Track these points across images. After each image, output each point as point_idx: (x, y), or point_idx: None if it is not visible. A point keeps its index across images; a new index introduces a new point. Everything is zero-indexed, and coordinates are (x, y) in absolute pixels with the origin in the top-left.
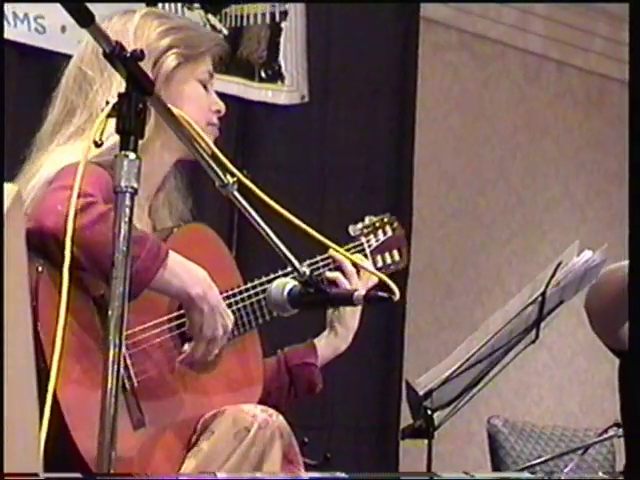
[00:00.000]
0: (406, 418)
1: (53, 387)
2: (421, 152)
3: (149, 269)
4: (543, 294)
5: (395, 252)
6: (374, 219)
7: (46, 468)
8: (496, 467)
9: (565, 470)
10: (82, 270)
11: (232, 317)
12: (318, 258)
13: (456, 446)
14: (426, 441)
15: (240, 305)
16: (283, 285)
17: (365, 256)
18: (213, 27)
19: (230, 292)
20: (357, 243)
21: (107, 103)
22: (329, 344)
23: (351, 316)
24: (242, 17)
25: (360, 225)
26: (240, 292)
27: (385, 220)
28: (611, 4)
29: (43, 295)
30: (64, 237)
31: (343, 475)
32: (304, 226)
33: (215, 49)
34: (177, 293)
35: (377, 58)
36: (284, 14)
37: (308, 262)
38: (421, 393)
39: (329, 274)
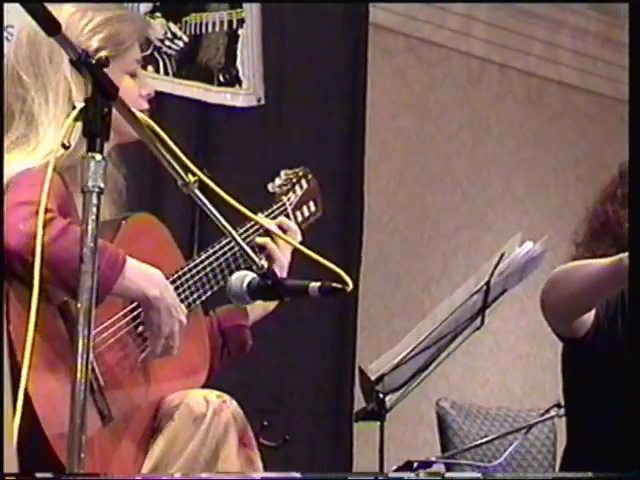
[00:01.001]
0: (359, 402)
1: (25, 384)
2: (371, 151)
3: (109, 278)
4: (487, 283)
5: (311, 203)
6: (289, 173)
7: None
8: (445, 447)
9: (509, 449)
10: (46, 283)
11: (185, 311)
12: (248, 225)
13: (407, 427)
14: (378, 423)
15: (190, 282)
16: (242, 278)
17: (287, 215)
18: (174, 34)
19: (175, 275)
20: (280, 204)
21: (74, 107)
22: (260, 304)
23: (279, 272)
24: (201, 25)
25: (278, 182)
26: (184, 273)
27: (300, 174)
28: (549, 9)
29: (13, 303)
30: (28, 255)
31: (297, 475)
32: (261, 220)
33: (141, 38)
34: (136, 297)
35: (329, 62)
36: (241, 21)
37: (240, 230)
38: (373, 378)
39: (259, 240)
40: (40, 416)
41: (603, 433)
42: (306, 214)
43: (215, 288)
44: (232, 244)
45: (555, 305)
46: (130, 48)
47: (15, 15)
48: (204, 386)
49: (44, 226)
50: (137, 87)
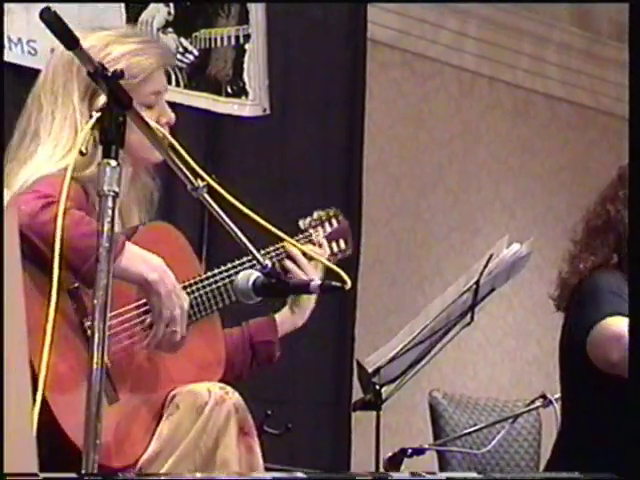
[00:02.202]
0: (357, 393)
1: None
2: (369, 158)
3: None
4: (477, 282)
5: (341, 241)
6: (321, 213)
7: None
8: (436, 435)
9: (497, 437)
10: (47, 263)
11: (187, 299)
12: (271, 248)
13: (401, 416)
14: (375, 413)
15: (202, 291)
16: (248, 276)
17: (314, 245)
18: (185, 49)
19: (192, 280)
20: (306, 234)
21: (90, 117)
22: (288, 320)
23: (308, 297)
24: (210, 40)
25: (309, 219)
26: (201, 280)
27: (331, 213)
28: (535, 26)
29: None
30: (28, 232)
31: (301, 475)
32: (263, 222)
33: (158, 71)
34: (135, 279)
35: (330, 75)
36: (247, 37)
37: (262, 252)
38: (370, 370)
39: (287, 263)
40: (49, 398)
41: (600, 425)
42: (335, 250)
43: (232, 300)
44: (251, 261)
45: (622, 365)
46: (146, 81)
47: (37, 31)
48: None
49: (43, 207)
50: (153, 118)
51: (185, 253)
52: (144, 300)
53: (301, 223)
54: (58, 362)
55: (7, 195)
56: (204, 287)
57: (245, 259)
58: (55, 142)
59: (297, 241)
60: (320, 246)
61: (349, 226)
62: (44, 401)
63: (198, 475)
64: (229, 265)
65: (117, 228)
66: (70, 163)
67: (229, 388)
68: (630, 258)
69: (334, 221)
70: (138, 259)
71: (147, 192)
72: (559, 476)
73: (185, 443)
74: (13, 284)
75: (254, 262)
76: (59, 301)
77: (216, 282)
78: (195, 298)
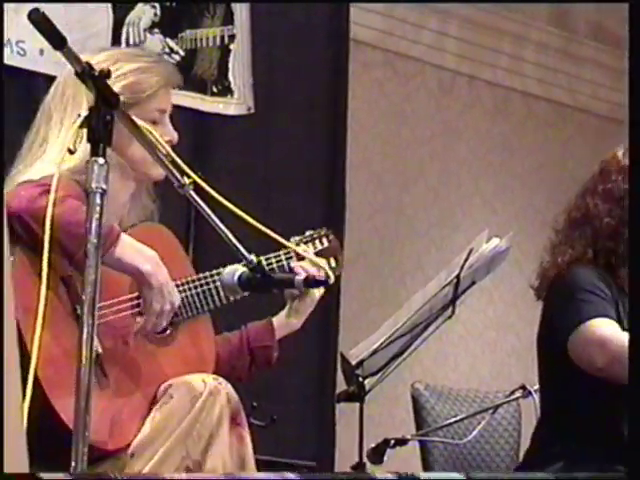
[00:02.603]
0: (341, 384)
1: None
2: (352, 156)
3: (102, 246)
4: (458, 276)
5: (332, 259)
6: (312, 232)
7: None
8: (419, 425)
9: (478, 427)
10: (52, 251)
11: (178, 295)
12: (281, 252)
13: (384, 408)
14: (358, 404)
15: (193, 291)
16: (234, 271)
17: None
18: (171, 49)
19: (184, 280)
20: (287, 250)
21: (79, 116)
22: (285, 324)
23: (306, 306)
24: (196, 40)
25: (299, 237)
26: (193, 280)
27: (322, 232)
28: (514, 26)
29: (18, 276)
30: (26, 216)
31: (292, 476)
32: (251, 220)
33: (166, 88)
34: (129, 270)
35: (313, 75)
36: (232, 37)
37: (273, 255)
38: (354, 363)
39: (293, 264)
40: (42, 378)
41: (578, 415)
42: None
43: (223, 303)
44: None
45: (608, 371)
46: (151, 97)
47: (26, 32)
48: None
49: (56, 203)
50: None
51: (177, 254)
52: (136, 294)
53: (292, 239)
54: (52, 345)
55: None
56: (195, 287)
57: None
58: (62, 146)
59: (287, 253)
60: None
61: (340, 245)
62: (37, 381)
63: (190, 475)
64: (221, 269)
65: None
66: (65, 162)
67: (222, 379)
68: (630, 258)
69: (324, 240)
70: (132, 250)
71: (148, 213)
72: (536, 477)
73: (178, 431)
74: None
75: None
76: (54, 287)
77: (207, 284)
78: (186, 297)
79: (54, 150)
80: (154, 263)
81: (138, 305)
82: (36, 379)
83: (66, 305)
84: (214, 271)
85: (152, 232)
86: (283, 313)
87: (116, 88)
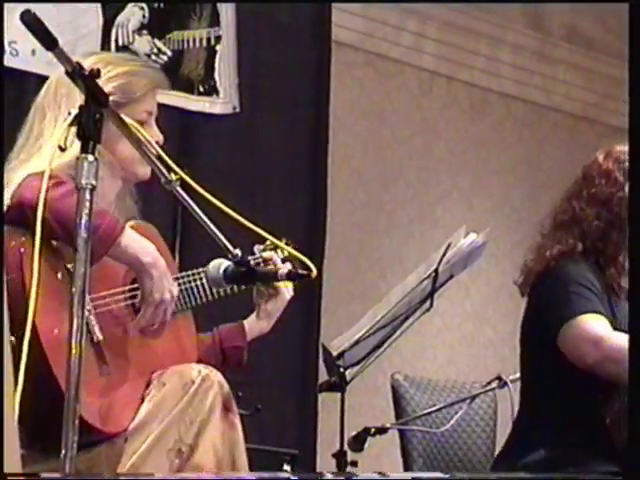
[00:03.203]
0: (323, 375)
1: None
2: (334, 153)
3: (110, 236)
4: (436, 270)
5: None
6: (267, 244)
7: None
8: (398, 415)
9: (455, 417)
10: (57, 239)
11: (177, 285)
12: (262, 246)
13: (365, 398)
14: (340, 394)
15: (179, 288)
16: (219, 265)
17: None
18: (159, 49)
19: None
20: (280, 243)
21: (69, 114)
22: (256, 326)
23: (275, 308)
24: (183, 41)
25: (261, 247)
26: (177, 278)
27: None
28: (491, 28)
29: (29, 267)
30: (37, 207)
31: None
32: (234, 214)
33: (154, 91)
34: (131, 260)
35: (297, 75)
36: (218, 38)
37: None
38: (335, 354)
39: (265, 254)
40: (50, 358)
41: (559, 404)
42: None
43: (208, 298)
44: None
45: (599, 368)
46: (140, 99)
47: (18, 32)
48: None
49: (54, 185)
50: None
51: (164, 252)
52: (131, 286)
53: (255, 248)
54: (61, 327)
55: (7, 193)
56: (179, 285)
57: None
58: (57, 142)
59: (263, 250)
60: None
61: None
62: (46, 360)
63: (184, 475)
64: (202, 269)
65: None
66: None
67: (212, 368)
68: (630, 258)
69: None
70: (135, 241)
71: (131, 213)
72: (523, 477)
73: (171, 415)
74: None
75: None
76: (60, 276)
77: (190, 282)
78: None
79: (50, 146)
80: (155, 256)
81: (134, 297)
82: (46, 362)
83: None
84: (198, 269)
85: (143, 231)
86: (253, 316)
87: (108, 89)
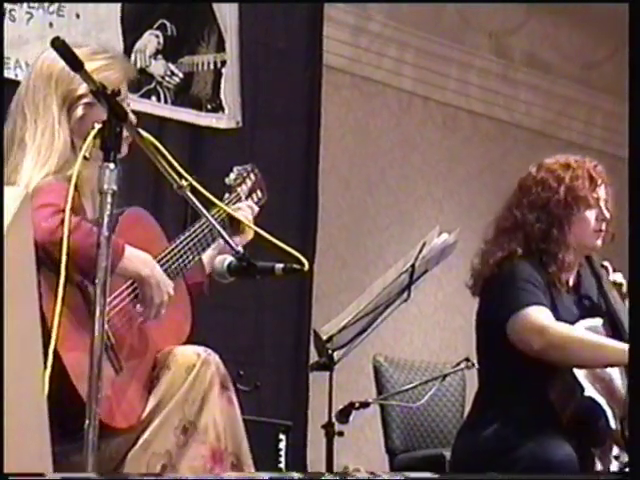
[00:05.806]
0: (313, 356)
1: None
2: (324, 163)
3: (113, 261)
4: (413, 265)
5: (259, 191)
6: (240, 169)
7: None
8: (379, 391)
9: (429, 393)
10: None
11: (172, 284)
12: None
13: (350, 377)
14: (328, 373)
15: (171, 261)
16: (223, 260)
17: (240, 200)
18: (172, 72)
19: (163, 254)
20: (235, 194)
21: (93, 127)
22: (212, 260)
23: (245, 230)
24: (193, 65)
25: (232, 176)
26: (169, 252)
27: (249, 169)
28: (461, 55)
29: (44, 287)
30: (49, 246)
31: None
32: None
33: (125, 82)
34: (132, 275)
35: (292, 95)
36: (224, 62)
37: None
38: (324, 338)
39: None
40: (67, 366)
41: (509, 384)
42: (255, 199)
43: (194, 261)
44: (204, 228)
45: (543, 354)
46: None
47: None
48: (192, 342)
49: (61, 223)
50: None
51: (155, 230)
52: (130, 286)
53: (227, 180)
54: (74, 339)
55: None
56: (175, 254)
57: (197, 225)
58: (38, 150)
59: (230, 201)
60: (247, 198)
61: (262, 177)
62: (65, 370)
63: (189, 475)
64: (186, 234)
65: (90, 213)
66: (74, 173)
67: (210, 350)
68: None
69: (252, 175)
70: (134, 259)
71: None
72: (516, 477)
73: (178, 397)
74: (25, 274)
75: (205, 227)
76: (71, 294)
77: (182, 248)
78: (170, 265)
79: (32, 155)
80: (152, 266)
81: (132, 293)
82: (62, 366)
83: (82, 308)
84: (181, 237)
85: (134, 217)
86: (209, 251)
87: (82, 88)
